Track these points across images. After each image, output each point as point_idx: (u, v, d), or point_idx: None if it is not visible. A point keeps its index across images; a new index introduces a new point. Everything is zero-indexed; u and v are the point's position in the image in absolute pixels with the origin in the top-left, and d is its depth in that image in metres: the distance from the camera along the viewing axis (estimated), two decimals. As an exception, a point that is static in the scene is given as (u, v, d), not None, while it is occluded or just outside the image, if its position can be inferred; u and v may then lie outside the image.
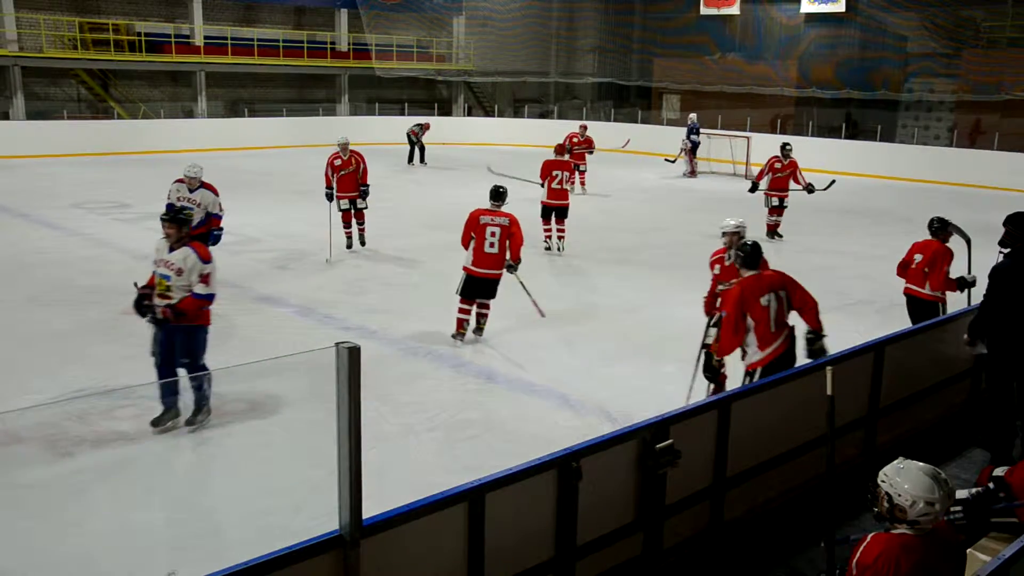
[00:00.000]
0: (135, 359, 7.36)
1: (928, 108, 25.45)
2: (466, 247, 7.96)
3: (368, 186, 11.57)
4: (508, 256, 7.89)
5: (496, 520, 3.52)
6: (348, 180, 11.38)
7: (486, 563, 3.53)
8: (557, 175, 12.34)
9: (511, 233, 7.88)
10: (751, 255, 5.49)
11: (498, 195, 8.20)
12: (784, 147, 13.53)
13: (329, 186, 11.39)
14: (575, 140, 17.60)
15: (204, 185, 9.08)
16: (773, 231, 13.48)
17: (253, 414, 6.30)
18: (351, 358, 2.78)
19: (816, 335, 5.35)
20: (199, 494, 5.12)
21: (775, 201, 13.48)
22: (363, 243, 11.71)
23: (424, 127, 22.25)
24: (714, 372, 5.70)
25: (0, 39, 22.16)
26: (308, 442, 5.77)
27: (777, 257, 8.33)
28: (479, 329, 8.07)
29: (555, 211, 12.30)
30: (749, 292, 5.33)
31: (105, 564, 4.45)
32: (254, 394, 6.51)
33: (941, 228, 7.44)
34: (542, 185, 12.53)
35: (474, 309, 8.03)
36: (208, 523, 4.78)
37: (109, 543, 4.60)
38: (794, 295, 5.43)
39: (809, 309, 5.40)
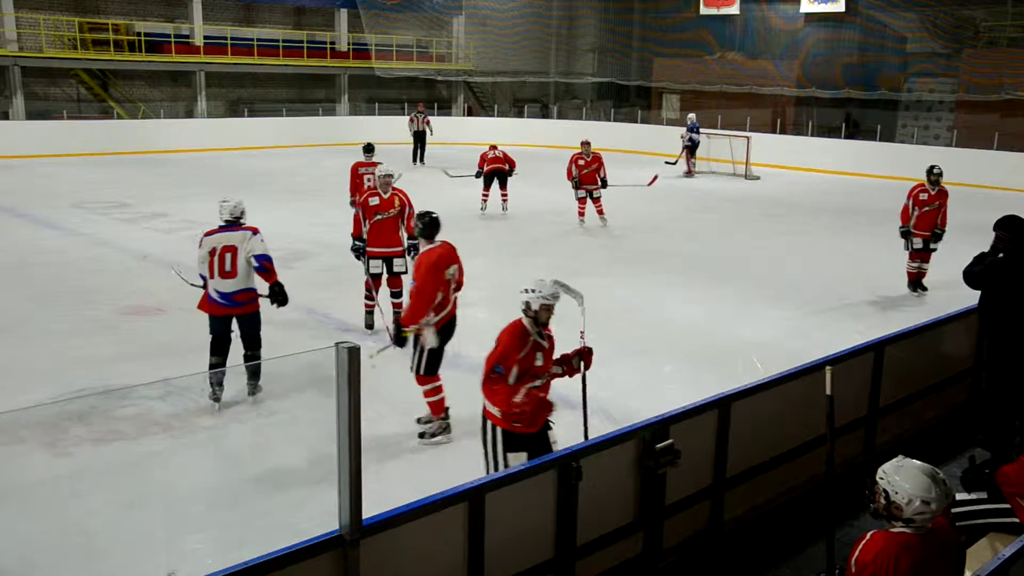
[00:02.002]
0: (135, 359, 7.38)
1: (928, 108, 25.46)
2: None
3: (417, 241, 6.48)
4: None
5: (496, 520, 3.52)
6: (386, 229, 7.92)
7: (486, 563, 3.53)
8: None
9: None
10: (430, 225, 5.90)
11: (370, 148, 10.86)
12: (932, 171, 10.14)
13: (359, 235, 7.98)
14: (580, 163, 13.34)
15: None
16: (917, 282, 10.14)
17: (253, 414, 6.29)
18: (351, 358, 2.78)
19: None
20: (199, 494, 5.11)
21: (918, 243, 9.98)
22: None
23: (422, 114, 22.01)
24: (402, 342, 6.05)
25: (0, 39, 22.16)
26: (308, 442, 5.78)
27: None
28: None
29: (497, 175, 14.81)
30: (438, 263, 5.75)
31: (105, 564, 4.45)
32: (254, 394, 6.51)
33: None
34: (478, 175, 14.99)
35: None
36: (208, 523, 4.78)
37: (109, 543, 4.60)
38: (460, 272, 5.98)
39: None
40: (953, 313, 6.81)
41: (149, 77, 25.27)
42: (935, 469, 2.96)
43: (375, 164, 11.23)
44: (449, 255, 5.87)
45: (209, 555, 4.34)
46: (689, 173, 21.02)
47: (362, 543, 3.02)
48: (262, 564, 2.82)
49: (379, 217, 7.86)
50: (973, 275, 5.92)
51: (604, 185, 13.52)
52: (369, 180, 11.03)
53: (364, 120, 26.88)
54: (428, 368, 5.90)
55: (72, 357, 7.36)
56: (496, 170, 14.79)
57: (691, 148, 21.08)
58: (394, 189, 8.01)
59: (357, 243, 7.96)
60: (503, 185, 14.89)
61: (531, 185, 17.84)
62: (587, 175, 13.43)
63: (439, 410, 6.00)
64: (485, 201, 14.85)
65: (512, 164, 15.15)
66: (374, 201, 7.91)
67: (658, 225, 14.47)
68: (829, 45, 26.64)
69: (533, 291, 4.53)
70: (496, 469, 4.41)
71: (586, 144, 13.52)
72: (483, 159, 14.93)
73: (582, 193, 13.56)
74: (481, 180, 14.88)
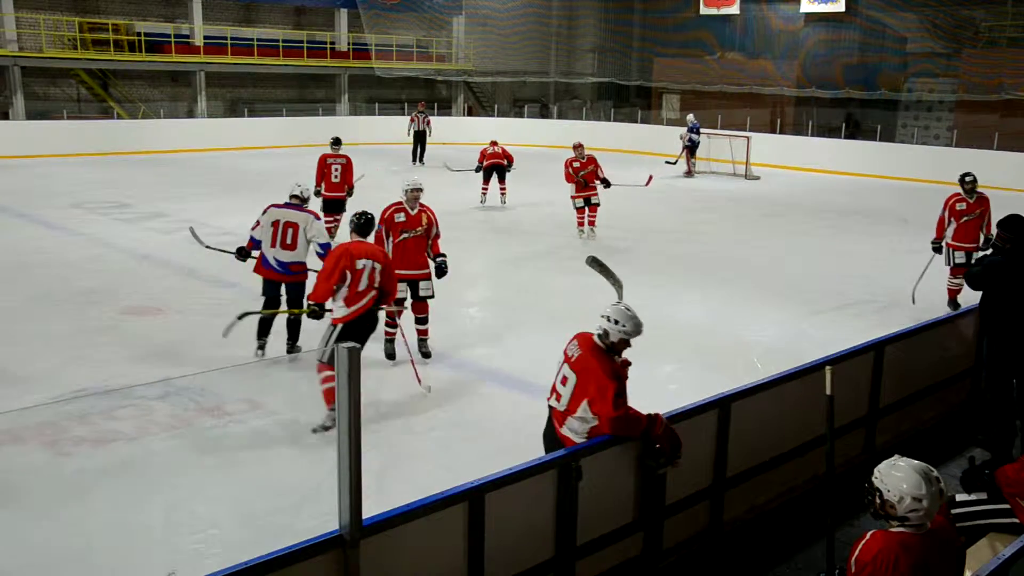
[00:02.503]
0: (135, 359, 7.38)
1: (928, 108, 25.46)
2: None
3: (444, 257, 7.32)
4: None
5: (496, 520, 3.52)
6: (412, 248, 7.20)
7: (486, 563, 3.53)
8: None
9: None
10: (364, 225, 6.33)
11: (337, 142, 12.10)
12: (964, 180, 9.05)
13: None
14: (576, 165, 12.65)
15: None
16: (955, 300, 9.13)
17: (253, 414, 6.30)
18: (351, 358, 2.78)
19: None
20: (199, 494, 5.12)
21: (960, 257, 8.97)
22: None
23: (423, 113, 22.04)
24: (317, 313, 6.20)
25: (0, 39, 22.16)
26: (308, 442, 5.78)
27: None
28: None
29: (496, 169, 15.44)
30: (354, 252, 6.06)
31: (105, 564, 4.45)
32: (254, 394, 6.51)
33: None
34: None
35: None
36: (208, 523, 4.78)
37: (109, 543, 4.60)
38: (384, 276, 6.16)
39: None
40: (953, 313, 6.82)
41: (149, 77, 25.28)
42: (929, 467, 2.97)
43: (343, 156, 12.05)
44: (367, 250, 6.16)
45: (209, 555, 4.35)
46: (689, 173, 21.03)
47: (362, 543, 3.02)
48: (262, 564, 2.83)
49: (406, 235, 7.10)
50: (973, 276, 5.93)
51: (607, 184, 12.92)
52: (336, 172, 11.85)
53: (364, 120, 26.87)
54: (332, 357, 5.62)
55: (72, 357, 7.36)
56: (494, 165, 15.58)
57: (691, 148, 21.09)
58: (421, 205, 7.28)
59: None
60: (501, 179, 15.74)
61: (532, 185, 17.84)
62: (586, 176, 12.79)
63: (332, 400, 5.79)
64: (484, 194, 15.70)
65: (510, 159, 15.82)
66: (400, 218, 7.13)
67: (658, 225, 14.47)
68: (829, 45, 26.64)
69: (616, 322, 4.18)
70: None
71: (579, 147, 12.82)
72: (483, 155, 15.72)
73: (580, 202, 12.89)
74: (481, 174, 15.66)
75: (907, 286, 9.38)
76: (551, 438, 4.34)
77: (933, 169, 21.01)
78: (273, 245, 7.11)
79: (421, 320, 7.40)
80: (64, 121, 22.14)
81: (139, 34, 23.90)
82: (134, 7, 24.79)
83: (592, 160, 12.77)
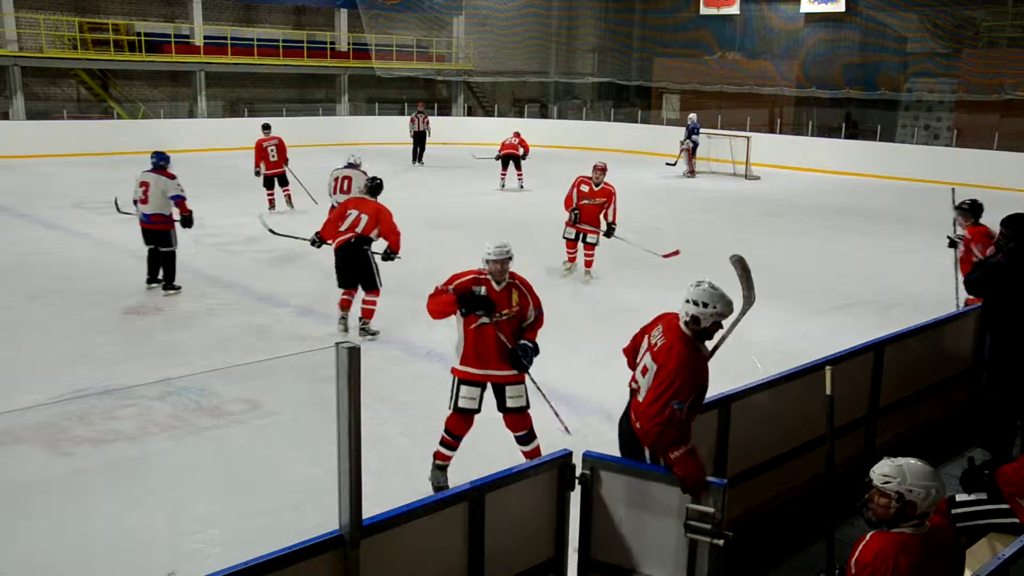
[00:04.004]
0: (135, 359, 7.38)
1: (928, 108, 25.46)
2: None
3: (531, 347, 5.29)
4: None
5: (496, 520, 3.52)
6: (491, 337, 5.15)
7: (486, 563, 3.53)
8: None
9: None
10: (374, 188, 8.28)
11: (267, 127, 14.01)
12: (963, 206, 7.33)
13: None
14: (585, 188, 10.17)
15: None
16: None
17: (253, 414, 6.30)
18: (351, 358, 2.78)
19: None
20: (199, 494, 5.12)
21: None
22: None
23: (422, 114, 22.08)
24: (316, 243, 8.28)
25: (0, 39, 22.16)
26: (308, 442, 5.78)
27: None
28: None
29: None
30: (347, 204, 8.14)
31: (105, 564, 4.45)
32: (254, 394, 6.51)
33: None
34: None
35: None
36: (208, 523, 4.78)
37: (109, 543, 4.60)
38: (382, 224, 7.93)
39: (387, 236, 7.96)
40: (953, 313, 6.82)
41: (149, 77, 25.27)
42: (920, 459, 3.00)
43: (275, 138, 14.75)
44: (359, 204, 8.06)
45: (209, 555, 4.35)
46: (692, 173, 21.04)
47: (362, 543, 3.01)
48: (262, 564, 2.82)
49: (500, 317, 5.07)
50: (973, 282, 5.90)
51: (609, 233, 10.06)
52: (272, 152, 14.46)
53: (364, 120, 26.87)
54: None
55: (72, 357, 7.36)
56: (509, 154, 17.81)
57: (691, 149, 21.09)
58: (512, 276, 5.20)
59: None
60: (517, 167, 17.93)
61: (532, 186, 17.85)
62: (589, 208, 10.07)
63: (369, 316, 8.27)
64: (503, 179, 17.94)
65: (526, 149, 18.09)
66: (480, 291, 5.08)
67: (658, 225, 14.46)
68: (829, 45, 26.63)
69: (706, 305, 3.77)
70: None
71: (602, 169, 10.14)
72: (503, 145, 17.97)
73: (572, 234, 10.27)
74: (499, 163, 17.96)
75: (907, 286, 9.39)
76: (627, 429, 4.05)
77: (933, 169, 21.03)
78: (334, 192, 10.64)
79: (521, 439, 5.32)
80: (64, 121, 22.13)
81: (139, 34, 23.90)
82: (134, 7, 24.78)
83: (607, 192, 10.10)
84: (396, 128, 24.32)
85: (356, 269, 8.01)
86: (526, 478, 3.67)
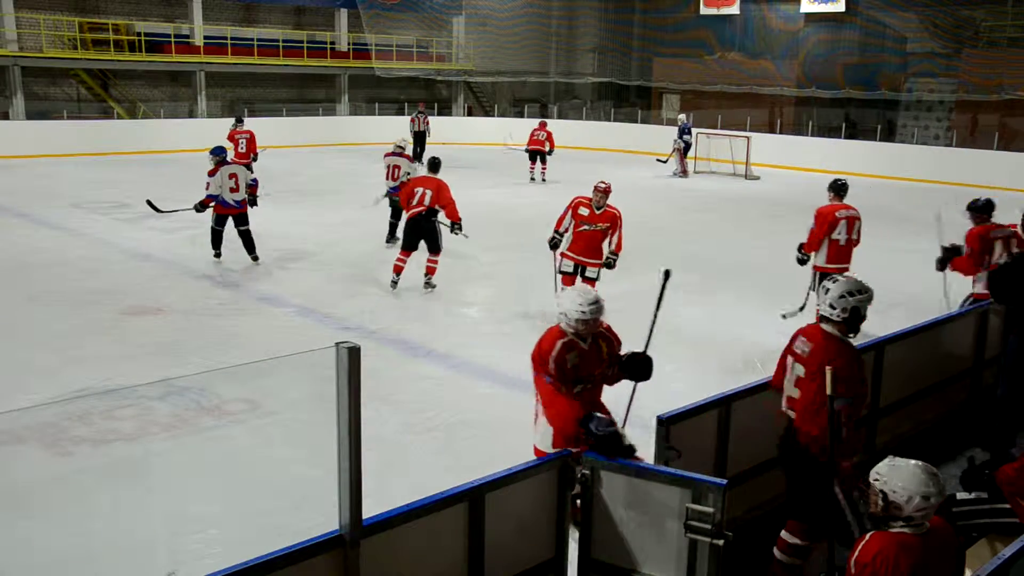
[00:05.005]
0: (135, 359, 7.38)
1: (928, 108, 25.46)
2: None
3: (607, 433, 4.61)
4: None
5: (496, 520, 3.52)
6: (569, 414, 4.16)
7: (486, 563, 3.53)
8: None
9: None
10: (434, 164, 9.98)
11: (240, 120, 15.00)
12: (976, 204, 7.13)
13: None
14: (583, 212, 8.11)
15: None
16: None
17: (253, 414, 6.30)
18: (351, 358, 2.78)
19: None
20: (199, 494, 5.11)
21: None
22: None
23: (423, 114, 22.08)
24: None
25: (0, 39, 22.16)
26: (308, 442, 5.77)
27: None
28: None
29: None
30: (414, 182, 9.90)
31: (105, 564, 4.45)
32: (254, 394, 6.51)
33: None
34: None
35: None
36: (208, 523, 4.78)
37: (109, 543, 4.60)
38: (440, 196, 9.52)
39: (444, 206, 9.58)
40: (953, 313, 6.82)
41: (149, 77, 25.27)
42: (928, 465, 2.97)
43: (247, 131, 15.92)
44: (423, 182, 9.71)
45: (209, 555, 4.35)
46: (683, 173, 21.02)
47: (362, 543, 3.01)
48: (262, 564, 2.82)
49: (579, 389, 4.24)
50: (993, 287, 5.88)
51: (611, 264, 8.19)
52: (242, 144, 15.69)
53: (364, 120, 26.87)
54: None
55: (72, 357, 7.36)
56: (535, 150, 19.19)
57: (682, 149, 21.06)
58: (602, 328, 4.40)
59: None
60: (543, 161, 19.15)
61: (533, 186, 17.85)
62: (589, 236, 8.08)
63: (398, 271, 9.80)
64: (532, 171, 19.27)
65: (552, 144, 19.24)
66: (572, 359, 4.22)
67: (658, 225, 14.46)
68: (829, 45, 26.64)
69: (851, 294, 3.94)
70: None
71: (603, 191, 8.06)
72: (531, 137, 19.35)
73: (571, 266, 8.20)
74: (527, 157, 19.31)
75: (907, 286, 9.38)
76: (795, 450, 4.08)
77: (933, 169, 21.04)
78: (387, 179, 12.04)
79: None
80: (64, 121, 22.13)
81: (139, 34, 23.90)
82: (134, 7, 24.78)
83: (611, 218, 8.10)
84: (396, 128, 24.29)
85: (424, 235, 9.56)
86: (526, 478, 3.67)
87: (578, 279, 8.09)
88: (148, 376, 6.94)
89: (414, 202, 9.48)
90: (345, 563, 3.00)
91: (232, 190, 10.58)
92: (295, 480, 5.27)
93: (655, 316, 4.44)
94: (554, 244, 8.31)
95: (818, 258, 8.15)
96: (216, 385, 6.44)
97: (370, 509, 3.04)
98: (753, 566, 4.57)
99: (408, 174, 11.42)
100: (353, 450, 2.86)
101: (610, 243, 8.17)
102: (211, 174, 10.55)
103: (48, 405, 6.25)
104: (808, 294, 8.21)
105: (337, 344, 2.79)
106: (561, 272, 8.32)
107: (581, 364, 4.22)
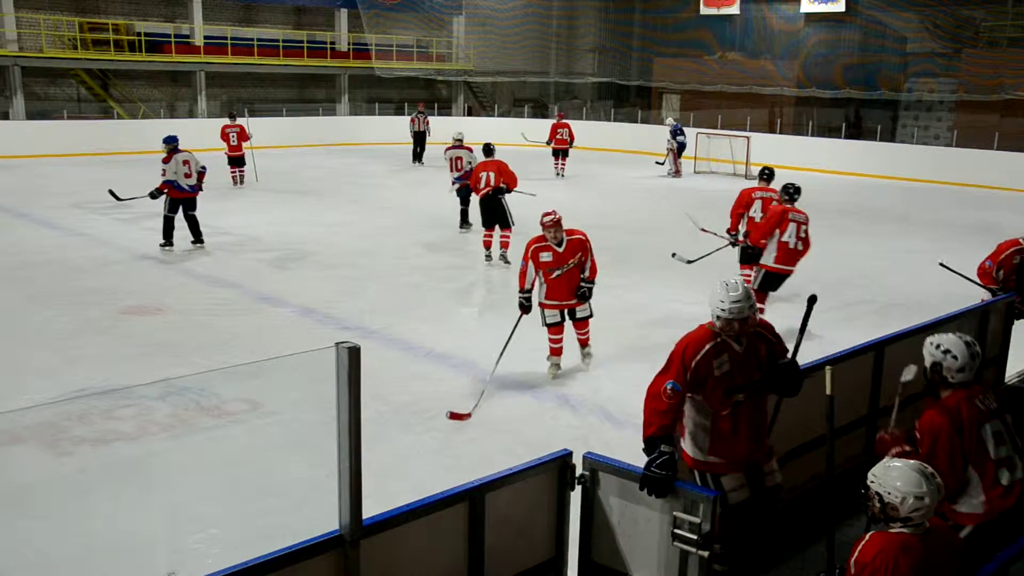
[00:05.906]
0: (135, 359, 7.38)
1: (928, 108, 25.47)
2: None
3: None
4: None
5: (496, 520, 3.52)
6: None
7: (486, 563, 3.53)
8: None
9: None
10: (488, 149, 11.53)
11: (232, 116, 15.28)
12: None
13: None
14: (545, 258, 6.95)
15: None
16: None
17: (253, 414, 6.30)
18: (351, 358, 2.77)
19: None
20: (199, 494, 5.11)
21: None
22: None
23: (423, 114, 22.10)
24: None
25: (0, 39, 22.16)
26: (308, 442, 5.77)
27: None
28: None
29: None
30: (479, 167, 11.27)
31: (105, 564, 4.45)
32: (254, 394, 6.51)
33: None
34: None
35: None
36: (208, 523, 4.78)
37: (109, 543, 4.60)
38: (504, 174, 10.93)
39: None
40: (953, 313, 6.81)
41: (149, 77, 25.28)
42: (924, 465, 2.98)
43: (237, 125, 17.24)
44: (485, 165, 11.08)
45: (209, 555, 4.35)
46: (677, 173, 20.99)
47: (362, 543, 3.01)
48: (262, 564, 2.82)
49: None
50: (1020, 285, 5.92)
51: (585, 296, 7.05)
52: (233, 137, 17.21)
53: (364, 120, 26.88)
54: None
55: (72, 357, 7.36)
56: (557, 148, 20.22)
57: (675, 150, 21.02)
58: (760, 327, 4.15)
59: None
60: (564, 157, 20.22)
61: (533, 187, 17.81)
62: (564, 279, 6.93)
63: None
64: (556, 167, 20.21)
65: (572, 139, 20.28)
66: (723, 363, 3.96)
67: (658, 225, 14.46)
68: (829, 45, 26.64)
69: (950, 353, 3.84)
70: None
71: (553, 225, 6.97)
72: (552, 132, 20.36)
73: (555, 315, 7.08)
74: (551, 154, 20.22)
75: (907, 286, 9.38)
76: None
77: (933, 169, 21.05)
78: (452, 171, 12.73)
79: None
80: (64, 121, 22.14)
81: (139, 34, 23.90)
82: (134, 7, 24.78)
83: (579, 247, 6.99)
84: (396, 128, 24.33)
85: (495, 213, 10.76)
86: (526, 478, 3.67)
87: (569, 324, 7.13)
88: (148, 376, 6.94)
89: (481, 185, 10.81)
90: (345, 563, 3.00)
91: (186, 176, 11.31)
92: (295, 480, 5.27)
93: (799, 337, 4.16)
94: (526, 307, 6.93)
95: (767, 257, 8.19)
96: (216, 385, 6.44)
97: (370, 509, 3.04)
98: (753, 566, 4.57)
99: (471, 163, 12.25)
100: (353, 450, 2.85)
101: (585, 271, 6.99)
102: (165, 161, 11.26)
103: (48, 405, 6.25)
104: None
105: (337, 344, 2.79)
106: (547, 325, 7.11)
107: (734, 370, 3.69)
